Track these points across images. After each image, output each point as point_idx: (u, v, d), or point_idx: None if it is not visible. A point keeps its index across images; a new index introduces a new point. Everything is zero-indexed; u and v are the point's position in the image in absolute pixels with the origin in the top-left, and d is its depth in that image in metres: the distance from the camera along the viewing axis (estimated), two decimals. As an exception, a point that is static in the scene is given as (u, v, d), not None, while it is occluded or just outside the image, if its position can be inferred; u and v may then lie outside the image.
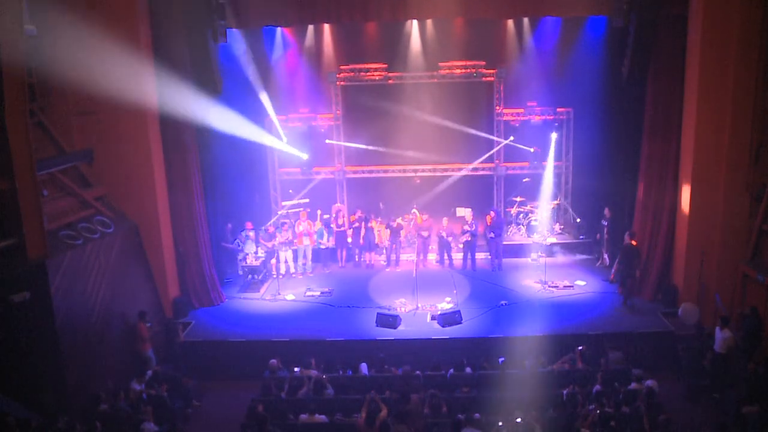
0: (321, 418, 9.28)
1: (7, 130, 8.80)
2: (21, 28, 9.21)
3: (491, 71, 15.91)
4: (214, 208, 14.82)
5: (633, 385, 9.89)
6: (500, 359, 10.83)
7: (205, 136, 13.73)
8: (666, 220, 13.44)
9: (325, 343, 12.09)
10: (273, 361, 10.91)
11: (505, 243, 15.61)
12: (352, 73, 16.06)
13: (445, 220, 15.48)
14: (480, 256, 15.62)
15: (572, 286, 14.14)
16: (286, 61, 16.13)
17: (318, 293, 14.24)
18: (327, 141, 16.51)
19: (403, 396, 9.16)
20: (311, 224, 15.55)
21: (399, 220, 15.81)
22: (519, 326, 12.33)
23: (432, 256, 16.06)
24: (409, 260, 15.73)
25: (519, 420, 8.57)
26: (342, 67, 16.07)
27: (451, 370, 10.53)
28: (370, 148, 16.34)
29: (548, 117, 16.17)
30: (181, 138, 13.01)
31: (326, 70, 16.12)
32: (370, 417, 8.60)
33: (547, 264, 14.54)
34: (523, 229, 16.60)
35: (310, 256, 15.60)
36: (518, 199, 16.83)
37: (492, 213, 15.33)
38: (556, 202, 16.68)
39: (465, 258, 15.51)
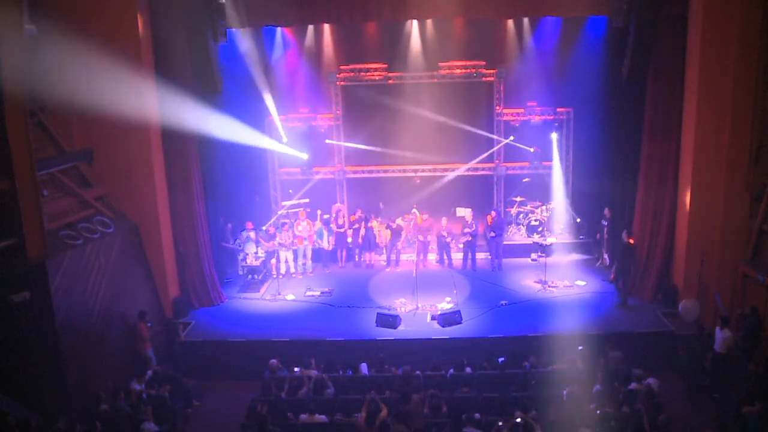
0: (321, 418, 9.28)
1: (7, 130, 8.80)
2: (21, 27, 9.21)
3: (491, 71, 15.90)
4: (214, 208, 14.83)
5: (633, 385, 9.89)
6: (500, 359, 10.84)
7: (204, 136, 13.72)
8: (666, 220, 13.44)
9: (325, 343, 12.09)
10: (273, 361, 10.91)
11: (504, 243, 15.61)
12: (352, 73, 16.06)
13: (444, 220, 15.48)
14: (480, 256, 15.62)
15: (572, 286, 14.15)
16: (286, 61, 16.12)
17: (318, 293, 14.24)
18: (327, 141, 16.50)
19: (403, 396, 9.16)
20: (310, 224, 15.55)
21: (399, 221, 15.81)
22: (519, 326, 12.35)
23: (432, 256, 16.06)
24: (409, 260, 15.73)
25: (519, 420, 8.57)
26: (342, 67, 16.06)
27: (451, 370, 10.52)
28: (370, 148, 16.33)
29: (548, 117, 16.15)
30: (181, 138, 13.00)
31: (326, 70, 16.11)
32: (370, 417, 8.60)
33: (547, 264, 14.54)
34: (523, 229, 16.60)
35: (310, 256, 15.60)
36: (518, 199, 16.84)
37: (493, 213, 15.34)
38: (556, 201, 16.70)
39: (465, 258, 15.51)
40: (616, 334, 11.95)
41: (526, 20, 15.46)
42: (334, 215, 15.88)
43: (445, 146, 16.22)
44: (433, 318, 12.74)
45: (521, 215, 16.78)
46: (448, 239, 15.40)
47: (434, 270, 15.52)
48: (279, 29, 15.58)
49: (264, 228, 15.27)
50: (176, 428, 9.46)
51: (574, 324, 12.31)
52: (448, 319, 12.45)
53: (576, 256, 15.76)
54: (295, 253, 15.44)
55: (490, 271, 15.25)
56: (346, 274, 15.60)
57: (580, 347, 10.89)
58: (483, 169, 16.67)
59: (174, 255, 13.47)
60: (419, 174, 16.70)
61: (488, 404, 9.64)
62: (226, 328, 12.84)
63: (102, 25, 11.64)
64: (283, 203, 16.54)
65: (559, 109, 16.11)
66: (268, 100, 15.38)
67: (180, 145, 13.06)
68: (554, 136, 15.98)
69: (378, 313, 12.70)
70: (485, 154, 16.35)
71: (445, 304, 13.28)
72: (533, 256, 15.72)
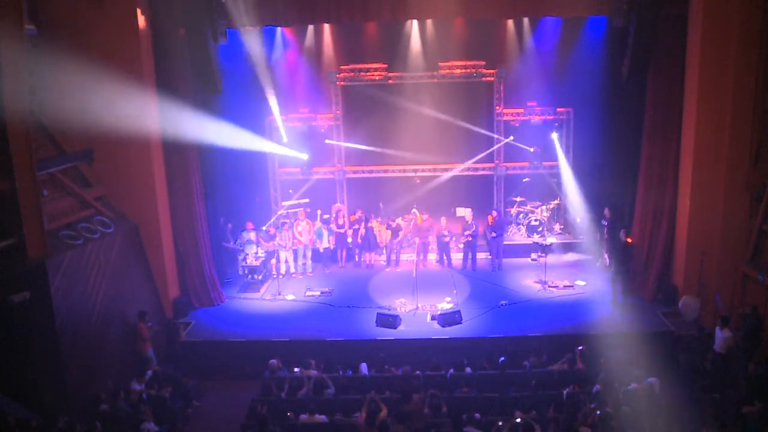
0: (321, 418, 9.28)
1: (7, 130, 8.80)
2: (21, 28, 9.21)
3: (491, 71, 15.90)
4: (214, 208, 14.82)
5: (633, 385, 9.87)
6: (500, 359, 10.84)
7: (204, 136, 13.72)
8: (666, 220, 13.45)
9: (325, 343, 12.10)
10: (273, 361, 10.91)
11: (504, 243, 15.60)
12: (352, 73, 16.05)
13: (444, 220, 15.48)
14: (480, 256, 15.62)
15: (572, 286, 14.15)
16: (286, 61, 16.10)
17: (318, 293, 14.24)
18: (327, 141, 16.50)
19: (403, 396, 9.16)
20: (310, 224, 15.55)
21: (399, 221, 15.81)
22: (519, 326, 12.35)
23: (432, 256, 16.06)
24: (409, 260, 15.73)
25: (519, 420, 8.57)
26: (342, 67, 16.05)
27: (451, 370, 10.52)
28: (370, 148, 16.33)
29: (548, 117, 16.14)
30: (181, 138, 12.99)
31: (326, 70, 16.10)
32: (370, 417, 8.60)
33: (547, 264, 14.54)
34: (523, 229, 16.60)
35: (310, 256, 15.60)
36: (518, 199, 16.83)
37: (494, 212, 15.34)
38: (555, 201, 16.67)
39: (465, 258, 15.51)
40: (616, 334, 11.95)
41: (526, 20, 15.45)
42: (334, 215, 15.88)
43: (445, 146, 16.21)
44: (433, 318, 12.74)
45: (521, 215, 16.78)
46: (448, 239, 15.40)
47: (434, 270, 15.52)
48: (279, 29, 15.55)
49: (264, 228, 15.28)
50: (176, 428, 9.45)
51: (574, 324, 12.33)
52: (448, 319, 12.45)
53: (576, 256, 15.76)
54: (295, 253, 15.44)
55: (490, 271, 15.25)
56: (346, 274, 15.60)
57: (580, 347, 10.89)
58: (483, 169, 16.67)
59: (174, 255, 13.48)
60: (419, 174, 16.69)
61: (488, 404, 9.64)
62: (226, 328, 12.84)
63: (102, 25, 11.64)
64: (283, 203, 16.54)
65: (559, 109, 16.11)
66: (271, 99, 15.36)
67: (180, 145, 13.04)
68: (555, 135, 15.98)
69: (378, 313, 12.71)
70: (484, 154, 16.35)
71: (445, 304, 13.28)
72: (533, 256, 15.72)
